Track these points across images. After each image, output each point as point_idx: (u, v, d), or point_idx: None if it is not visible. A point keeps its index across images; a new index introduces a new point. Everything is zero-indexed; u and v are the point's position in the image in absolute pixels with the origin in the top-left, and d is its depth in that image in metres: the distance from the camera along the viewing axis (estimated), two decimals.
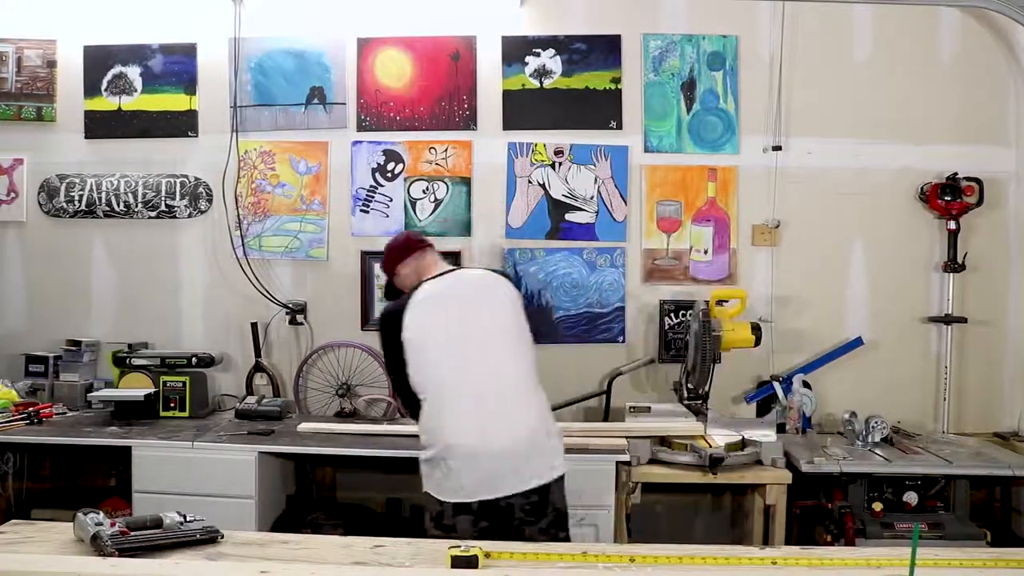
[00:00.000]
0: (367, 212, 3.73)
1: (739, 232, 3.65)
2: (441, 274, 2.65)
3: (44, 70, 3.79)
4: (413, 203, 3.72)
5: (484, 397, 2.43)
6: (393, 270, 2.77)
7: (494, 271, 2.75)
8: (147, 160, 3.78)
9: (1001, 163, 3.61)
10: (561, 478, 2.44)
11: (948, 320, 3.55)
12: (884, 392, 3.58)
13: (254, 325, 3.68)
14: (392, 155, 3.72)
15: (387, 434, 3.21)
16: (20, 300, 3.83)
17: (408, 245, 2.78)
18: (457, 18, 3.67)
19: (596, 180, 3.67)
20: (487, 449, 2.35)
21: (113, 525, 1.68)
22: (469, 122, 3.69)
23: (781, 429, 3.32)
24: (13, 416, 3.26)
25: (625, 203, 3.66)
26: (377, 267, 3.70)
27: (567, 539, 2.42)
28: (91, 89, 3.77)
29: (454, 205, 3.71)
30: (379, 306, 3.72)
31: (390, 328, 2.55)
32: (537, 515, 2.38)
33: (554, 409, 3.57)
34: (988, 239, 3.61)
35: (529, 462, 2.38)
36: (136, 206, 3.78)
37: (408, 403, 2.60)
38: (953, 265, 3.54)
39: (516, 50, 3.67)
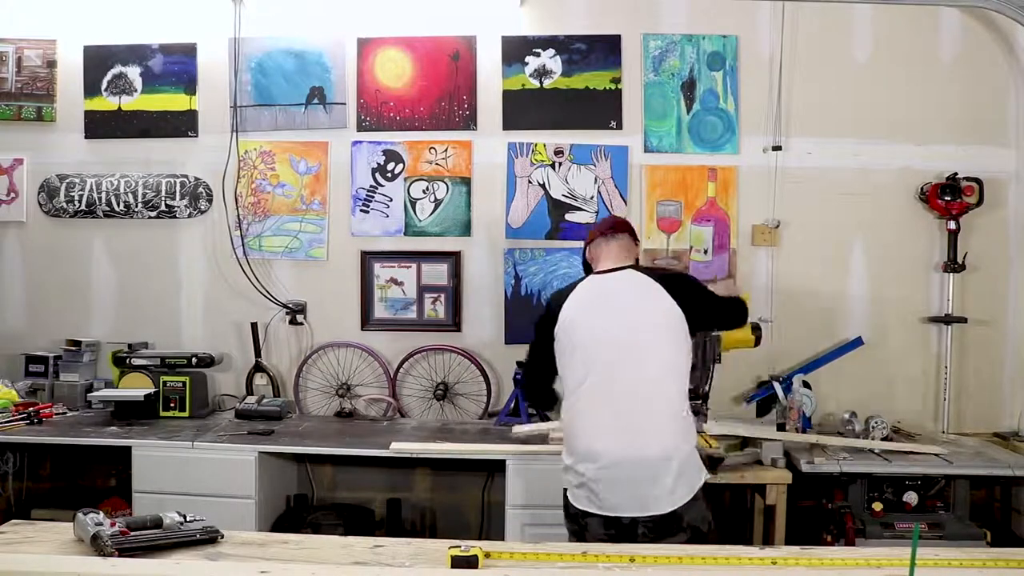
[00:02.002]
0: (367, 212, 3.73)
1: (739, 232, 3.65)
2: (611, 270, 2.56)
3: (44, 70, 3.79)
4: (413, 203, 3.72)
5: (624, 411, 2.35)
6: (585, 246, 2.73)
7: (655, 274, 2.53)
8: (147, 160, 3.78)
9: (1001, 163, 3.61)
10: (694, 499, 2.32)
11: (948, 320, 3.55)
12: (884, 392, 3.58)
13: (254, 325, 3.68)
14: (392, 155, 3.72)
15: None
16: (20, 300, 3.83)
17: (600, 228, 2.70)
18: (457, 18, 3.67)
19: (596, 180, 3.67)
20: (615, 466, 2.30)
21: (113, 525, 1.68)
22: (469, 122, 3.69)
23: (781, 429, 3.31)
24: (13, 416, 3.27)
25: (625, 203, 3.66)
26: (378, 267, 3.73)
27: None
28: (91, 89, 3.77)
29: (454, 205, 3.71)
30: (379, 306, 3.73)
31: (548, 312, 2.54)
32: (663, 534, 2.29)
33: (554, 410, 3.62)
34: (988, 239, 3.61)
35: (653, 489, 2.29)
36: (136, 206, 3.78)
37: (533, 389, 2.60)
38: (953, 265, 3.54)
39: (516, 50, 3.67)
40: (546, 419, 3.53)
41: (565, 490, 2.45)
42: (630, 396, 2.37)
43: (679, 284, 2.51)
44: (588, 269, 2.68)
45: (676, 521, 2.30)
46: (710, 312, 2.60)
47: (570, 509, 2.42)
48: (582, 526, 2.38)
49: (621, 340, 2.42)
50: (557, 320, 2.49)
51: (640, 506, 2.30)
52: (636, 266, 2.61)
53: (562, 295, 2.55)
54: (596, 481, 2.33)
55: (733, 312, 2.72)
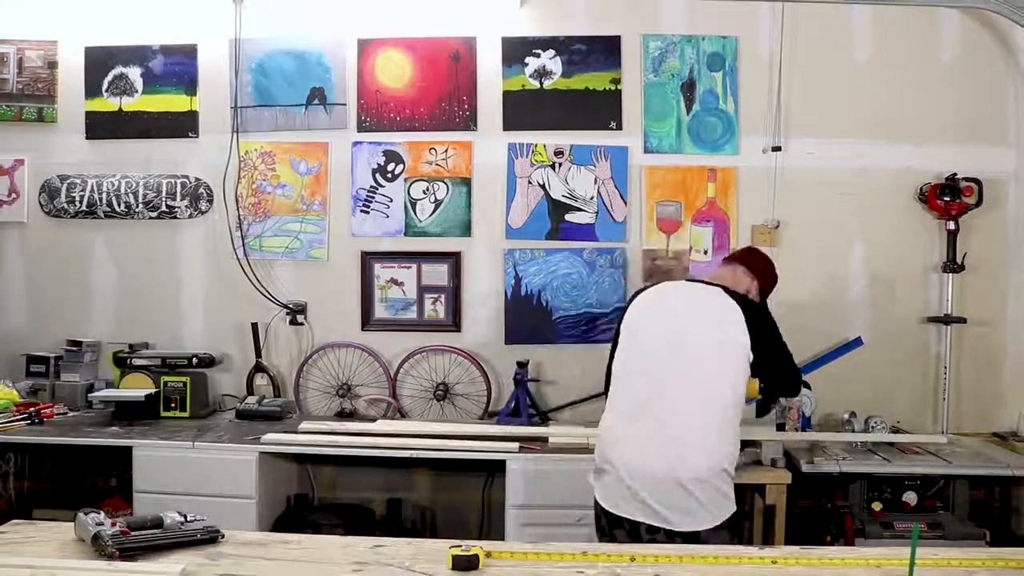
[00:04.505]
0: (367, 213, 3.74)
1: (739, 232, 3.65)
2: (693, 280, 2.64)
3: (45, 71, 3.79)
4: (413, 203, 3.72)
5: (665, 422, 2.28)
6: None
7: (743, 303, 2.45)
8: (148, 161, 3.78)
9: (1000, 164, 3.61)
10: (721, 526, 2.24)
11: (947, 320, 3.55)
12: (884, 392, 3.58)
13: (254, 325, 3.68)
14: (392, 156, 3.72)
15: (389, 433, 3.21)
16: (21, 300, 3.84)
17: (736, 252, 2.84)
18: (457, 19, 3.68)
19: (596, 180, 3.67)
20: (646, 476, 2.24)
21: (114, 525, 1.68)
22: (469, 122, 3.70)
23: (781, 429, 3.32)
24: (14, 416, 3.27)
25: (625, 203, 3.67)
26: (378, 267, 3.73)
27: None
28: (92, 90, 3.78)
29: (454, 206, 3.71)
30: (379, 306, 3.74)
31: (627, 306, 2.55)
32: None
33: (554, 410, 3.62)
34: (987, 239, 3.61)
35: (683, 501, 2.22)
36: (137, 207, 3.79)
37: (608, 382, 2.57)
38: (952, 265, 3.54)
39: (516, 51, 3.68)
40: (546, 420, 3.54)
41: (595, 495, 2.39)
42: (676, 407, 2.29)
43: (759, 323, 2.43)
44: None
45: (696, 541, 2.17)
46: (774, 367, 2.50)
47: (600, 520, 2.36)
48: (611, 536, 2.31)
49: (681, 351, 2.34)
50: (627, 310, 2.50)
51: (663, 519, 2.23)
52: (727, 289, 2.49)
53: (635, 293, 2.57)
54: (625, 487, 2.27)
55: (793, 379, 2.65)
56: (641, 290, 2.61)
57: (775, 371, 2.53)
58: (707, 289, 2.51)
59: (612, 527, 2.32)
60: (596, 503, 2.38)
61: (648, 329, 2.43)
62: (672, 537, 2.19)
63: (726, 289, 2.49)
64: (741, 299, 2.46)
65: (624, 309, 2.56)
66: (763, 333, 2.43)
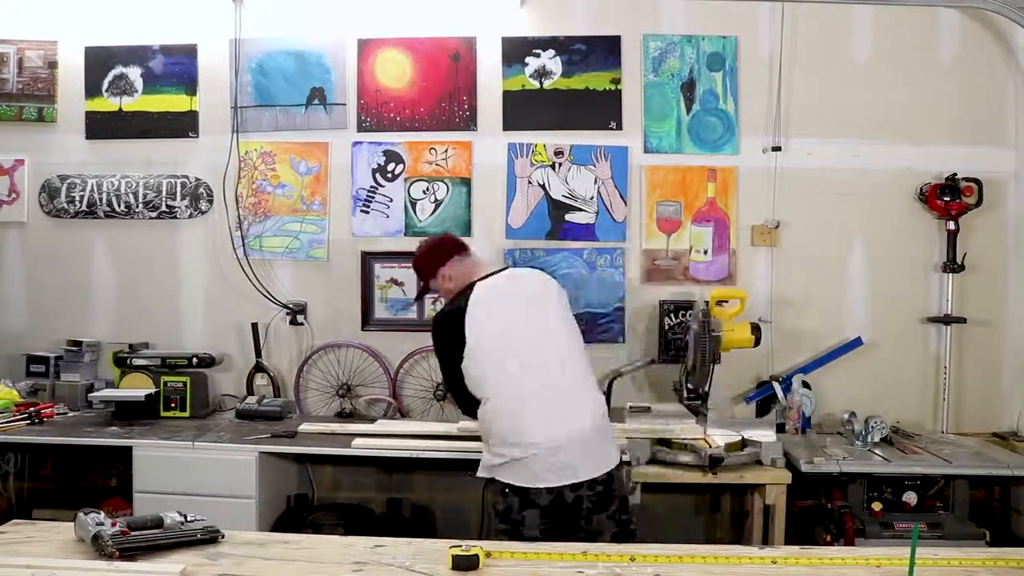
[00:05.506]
0: (367, 213, 3.74)
1: (739, 232, 3.65)
2: (491, 274, 2.68)
3: (45, 71, 3.80)
4: (413, 204, 3.73)
5: (549, 394, 2.47)
6: (433, 273, 2.79)
7: (539, 270, 2.80)
8: (148, 161, 3.78)
9: (1000, 164, 3.61)
10: (620, 464, 2.54)
11: (947, 320, 3.55)
12: (883, 392, 3.58)
13: (254, 325, 3.68)
14: (392, 156, 3.72)
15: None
16: (21, 300, 3.84)
17: (448, 248, 2.81)
18: (457, 19, 3.68)
19: (596, 180, 3.67)
20: (557, 443, 2.39)
21: (114, 525, 1.69)
22: (469, 123, 3.70)
23: (781, 429, 3.32)
24: (14, 416, 3.27)
25: (625, 203, 3.67)
26: (378, 267, 3.72)
27: (630, 521, 2.50)
28: (92, 90, 3.78)
29: (454, 206, 3.71)
30: (380, 306, 3.74)
31: (450, 329, 2.58)
32: (604, 503, 2.44)
33: None
34: (987, 239, 3.61)
35: (595, 450, 2.46)
36: (137, 207, 3.79)
37: (464, 403, 2.64)
38: (952, 265, 3.54)
39: (516, 51, 3.68)
40: None
41: (493, 491, 2.48)
42: (552, 377, 2.50)
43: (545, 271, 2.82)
44: (424, 289, 2.90)
45: (610, 483, 2.46)
46: None
47: (509, 512, 2.43)
48: (516, 521, 2.41)
49: (534, 331, 2.56)
50: (464, 328, 2.53)
51: (593, 468, 2.42)
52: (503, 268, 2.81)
53: (459, 306, 2.59)
54: (544, 462, 2.39)
55: None
56: (442, 314, 2.70)
57: None
58: (503, 275, 2.71)
59: (524, 507, 2.40)
60: (503, 492, 2.44)
61: (493, 322, 2.54)
62: (593, 486, 2.41)
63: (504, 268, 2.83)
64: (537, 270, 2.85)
65: (443, 334, 2.64)
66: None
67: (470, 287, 2.63)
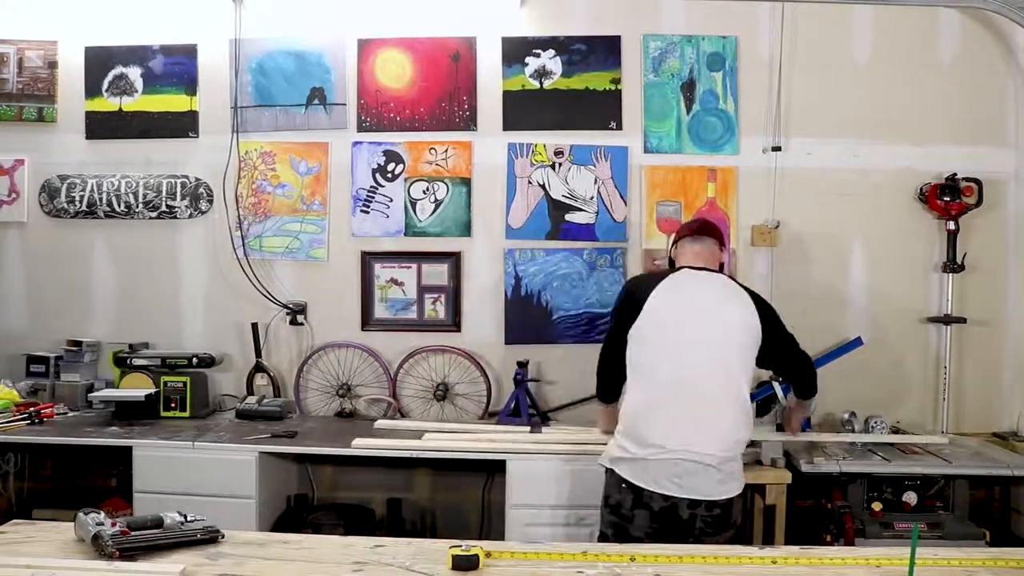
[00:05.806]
0: (367, 213, 3.74)
1: (739, 232, 3.65)
2: (705, 269, 2.66)
3: (45, 71, 3.80)
4: (413, 203, 3.73)
5: (694, 402, 2.43)
6: (672, 244, 2.84)
7: (746, 289, 2.62)
8: (148, 161, 3.78)
9: (1000, 164, 3.61)
10: (738, 496, 2.48)
11: (947, 320, 3.55)
12: (884, 392, 3.59)
13: (254, 325, 3.68)
14: (392, 156, 3.72)
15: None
16: (21, 300, 3.84)
17: (688, 228, 2.80)
18: (457, 19, 3.68)
19: (596, 180, 3.67)
20: (683, 455, 2.37)
21: (114, 525, 1.69)
22: (469, 123, 3.70)
23: (781, 429, 3.32)
24: (14, 416, 3.27)
25: (625, 203, 3.67)
26: (378, 267, 3.73)
27: None
28: (92, 90, 3.78)
29: (454, 206, 3.71)
30: (379, 306, 3.74)
31: (635, 293, 2.57)
32: (720, 529, 2.41)
33: (554, 410, 3.63)
34: (987, 239, 3.61)
35: (722, 473, 2.40)
36: (137, 207, 3.79)
37: (606, 380, 2.69)
38: (952, 265, 3.54)
39: (516, 51, 3.68)
40: (546, 420, 3.54)
41: (608, 479, 2.49)
42: (704, 387, 2.44)
43: (766, 308, 2.60)
44: (672, 265, 2.78)
45: (730, 510, 2.42)
46: (785, 350, 2.67)
47: (620, 507, 2.43)
48: (625, 517, 2.42)
49: (706, 337, 2.47)
50: (641, 310, 2.52)
51: (712, 490, 2.38)
52: (732, 277, 2.72)
53: (647, 284, 2.58)
54: (665, 467, 2.38)
55: (806, 368, 2.78)
56: (637, 279, 2.71)
57: (787, 357, 2.71)
58: (712, 277, 2.63)
59: (636, 506, 2.41)
60: (620, 486, 2.44)
61: (673, 319, 2.51)
62: (712, 508, 2.38)
63: (732, 277, 2.71)
64: (748, 290, 2.62)
65: (623, 298, 2.64)
66: (769, 318, 2.58)
67: (677, 268, 2.66)
